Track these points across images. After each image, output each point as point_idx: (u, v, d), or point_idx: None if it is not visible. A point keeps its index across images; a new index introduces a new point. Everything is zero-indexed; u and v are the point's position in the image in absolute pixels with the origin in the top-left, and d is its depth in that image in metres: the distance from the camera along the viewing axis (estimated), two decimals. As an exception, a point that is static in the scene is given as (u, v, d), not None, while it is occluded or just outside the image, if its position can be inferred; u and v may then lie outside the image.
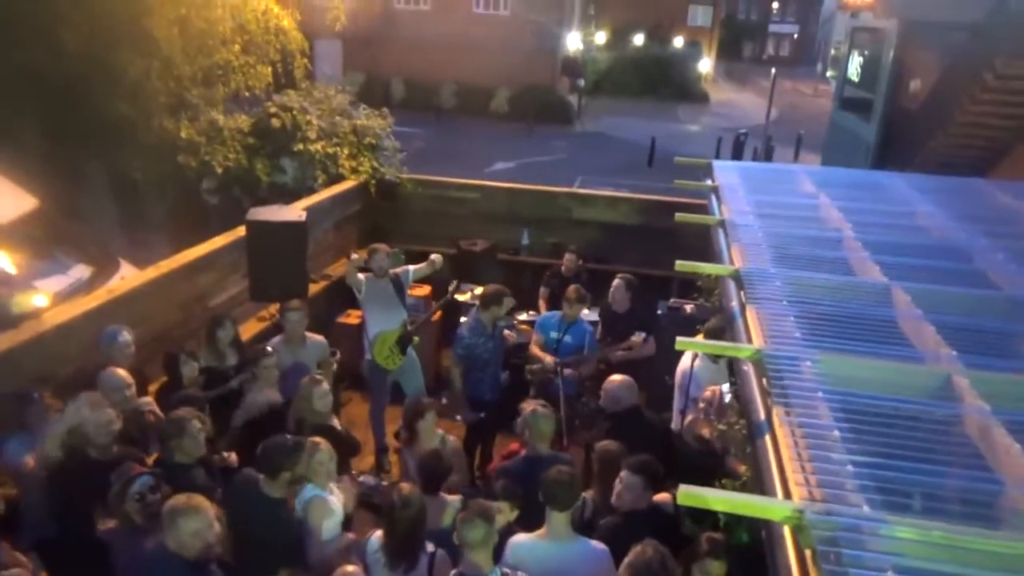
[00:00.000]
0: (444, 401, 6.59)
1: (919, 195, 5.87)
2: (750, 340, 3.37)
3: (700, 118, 36.11)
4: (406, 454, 4.95)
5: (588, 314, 6.68)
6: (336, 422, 5.09)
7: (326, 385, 4.89)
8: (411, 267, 6.60)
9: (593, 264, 8.17)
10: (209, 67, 9.86)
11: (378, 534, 3.89)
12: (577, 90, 34.24)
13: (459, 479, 4.92)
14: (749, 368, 3.25)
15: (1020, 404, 2.69)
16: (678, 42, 48.22)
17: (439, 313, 7.29)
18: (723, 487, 3.40)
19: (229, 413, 4.81)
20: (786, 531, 2.24)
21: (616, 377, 4.99)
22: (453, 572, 3.42)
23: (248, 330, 6.63)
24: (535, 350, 6.29)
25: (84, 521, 3.87)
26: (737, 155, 22.60)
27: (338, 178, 8.96)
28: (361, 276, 6.28)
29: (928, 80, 12.62)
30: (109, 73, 8.67)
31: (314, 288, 7.30)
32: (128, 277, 6.68)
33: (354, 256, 6.28)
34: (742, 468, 3.51)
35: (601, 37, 43.73)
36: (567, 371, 5.97)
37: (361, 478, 5.39)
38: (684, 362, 5.43)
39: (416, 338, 6.48)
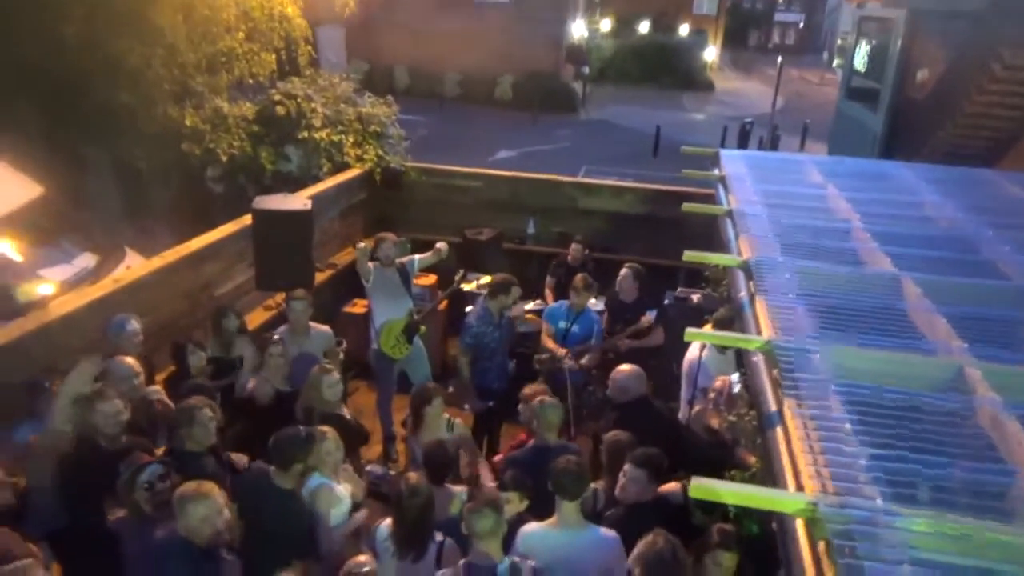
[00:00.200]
0: (451, 390, 6.60)
1: (927, 185, 5.84)
2: (760, 331, 3.36)
3: (705, 107, 35.93)
4: (413, 442, 4.96)
5: (595, 303, 6.68)
6: (345, 411, 5.09)
7: (336, 374, 4.89)
8: (417, 256, 6.60)
9: (599, 253, 8.16)
10: (213, 54, 9.81)
11: (387, 523, 3.91)
12: (582, 78, 34.06)
13: (472, 461, 4.94)
14: (759, 359, 3.24)
15: (1033, 396, 2.68)
16: (683, 30, 47.95)
17: (445, 302, 7.29)
18: (732, 478, 3.41)
19: (239, 403, 4.81)
20: (799, 524, 2.24)
21: (624, 367, 4.98)
22: (462, 562, 3.43)
23: (254, 319, 6.64)
24: (546, 340, 6.30)
25: (94, 511, 3.88)
26: (743, 144, 22.50)
27: (343, 166, 8.94)
28: (370, 264, 6.28)
29: (935, 70, 12.55)
30: (112, 61, 8.63)
31: (320, 277, 7.30)
32: (133, 266, 6.68)
33: (361, 245, 6.27)
34: (752, 459, 3.50)
35: (606, 25, 43.48)
36: (573, 363, 5.97)
37: (368, 467, 5.39)
38: (692, 352, 5.43)
39: (423, 327, 6.47)
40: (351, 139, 9.09)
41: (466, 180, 9.45)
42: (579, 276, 6.33)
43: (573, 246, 7.62)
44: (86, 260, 6.71)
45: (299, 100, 9.01)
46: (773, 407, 2.91)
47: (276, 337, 5.40)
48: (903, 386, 2.78)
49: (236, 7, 9.64)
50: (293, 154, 8.93)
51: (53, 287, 6.19)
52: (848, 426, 2.51)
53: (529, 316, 7.54)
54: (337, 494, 4.23)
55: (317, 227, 6.68)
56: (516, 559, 3.40)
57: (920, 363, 2.96)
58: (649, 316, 6.40)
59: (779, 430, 2.74)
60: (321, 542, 4.14)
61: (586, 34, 36.97)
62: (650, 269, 6.86)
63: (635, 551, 3.23)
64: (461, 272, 6.77)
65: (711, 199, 6.20)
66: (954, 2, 12.24)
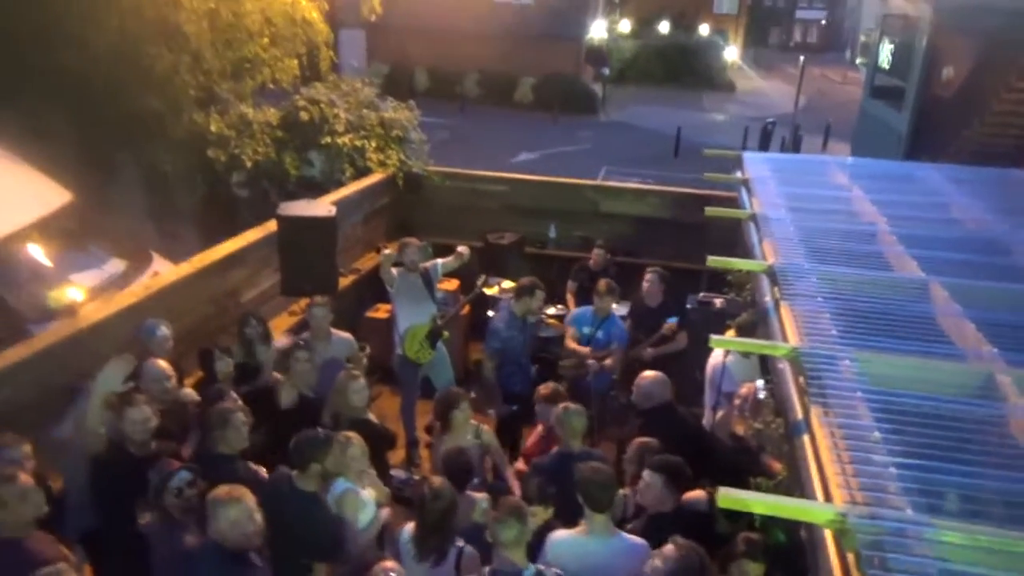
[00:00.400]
0: (472, 395, 6.63)
1: (954, 187, 5.77)
2: (785, 337, 3.34)
3: (726, 107, 35.72)
4: (439, 445, 4.98)
5: (618, 308, 6.67)
6: (371, 416, 5.13)
7: (363, 380, 4.93)
8: (440, 261, 6.62)
9: (621, 258, 8.14)
10: (237, 61, 9.92)
11: (410, 526, 3.94)
12: (602, 79, 34.00)
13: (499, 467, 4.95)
14: (785, 366, 3.23)
15: (1066, 404, 2.65)
16: (704, 29, 47.73)
17: (468, 307, 7.31)
18: (758, 486, 3.39)
19: (262, 407, 4.85)
20: (828, 534, 2.23)
21: (648, 373, 4.97)
22: (487, 569, 3.44)
23: (280, 325, 6.69)
24: (570, 343, 6.31)
25: (124, 515, 3.94)
26: (764, 144, 22.32)
27: (366, 171, 8.99)
28: (394, 270, 6.32)
29: (962, 67, 12.40)
30: (139, 68, 8.75)
31: (343, 282, 7.34)
32: (161, 271, 6.76)
33: (386, 251, 6.31)
34: (778, 466, 3.48)
35: (626, 25, 43.37)
36: (596, 363, 5.99)
37: (392, 472, 5.43)
38: (715, 357, 5.40)
39: (446, 332, 6.50)
40: (373, 144, 9.13)
41: (488, 184, 9.46)
42: (602, 281, 6.33)
43: (595, 251, 7.61)
44: (115, 265, 6.77)
45: (322, 106, 9.07)
46: (800, 415, 2.90)
47: (301, 342, 5.44)
48: (932, 393, 2.76)
49: (260, 13, 9.73)
50: (316, 159, 9.00)
51: (83, 292, 6.27)
52: (877, 435, 2.50)
53: (551, 321, 7.54)
54: (362, 499, 4.26)
55: (340, 232, 6.73)
56: (542, 567, 3.41)
57: (949, 370, 2.94)
58: (672, 323, 6.39)
59: (806, 438, 2.73)
60: (348, 546, 4.18)
61: (606, 35, 36.89)
62: (673, 273, 6.84)
63: (664, 566, 3.21)
64: (483, 277, 6.79)
65: (734, 202, 6.18)
66: (981, -1, 12.08)
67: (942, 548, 2.01)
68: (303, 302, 6.75)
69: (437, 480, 3.97)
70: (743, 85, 42.47)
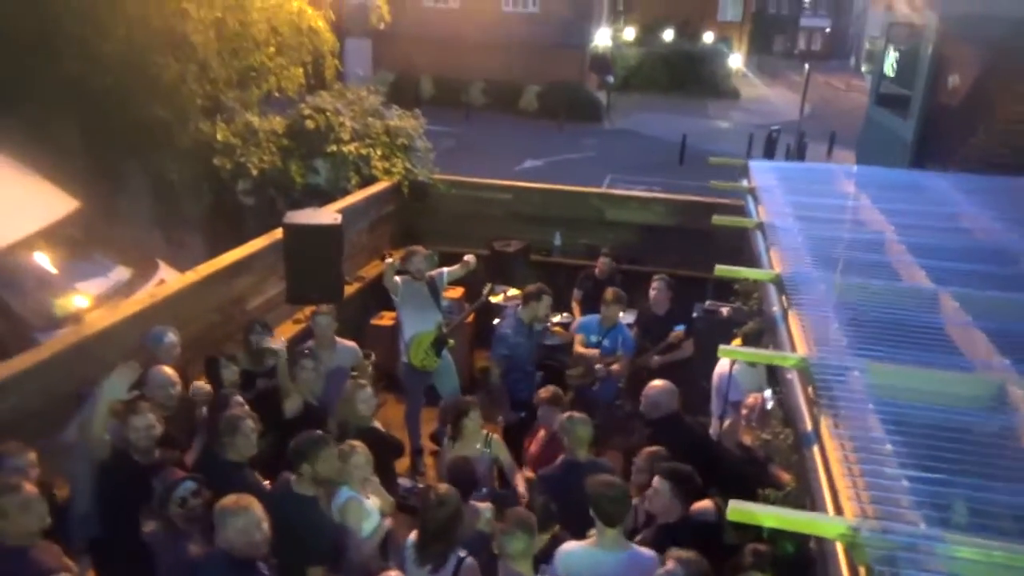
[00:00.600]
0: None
1: (963, 196, 5.75)
2: (794, 347, 3.32)
3: (731, 114, 35.72)
4: (447, 454, 4.96)
5: (624, 316, 6.66)
6: (377, 424, 5.12)
7: (370, 389, 4.92)
8: (446, 269, 6.61)
9: (627, 266, 8.12)
10: (243, 69, 9.94)
11: (415, 534, 3.92)
12: (606, 87, 34.03)
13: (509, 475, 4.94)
14: (794, 376, 3.21)
15: (1080, 416, 2.62)
16: (708, 37, 47.76)
17: (473, 315, 7.30)
18: (766, 497, 3.36)
19: (267, 415, 4.85)
20: (839, 548, 2.21)
21: (656, 382, 4.96)
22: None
23: (285, 332, 6.69)
24: (579, 349, 6.30)
25: (128, 524, 3.92)
26: (769, 152, 22.31)
27: (371, 179, 9.00)
28: (397, 278, 6.31)
29: (968, 76, 12.35)
30: (146, 77, 8.78)
31: (348, 290, 7.33)
32: (167, 279, 6.76)
33: (389, 260, 6.31)
34: (786, 477, 3.46)
35: (630, 33, 43.44)
36: (603, 369, 5.98)
37: (398, 480, 5.41)
38: (722, 366, 5.38)
39: (451, 340, 6.49)
40: (379, 152, 9.15)
41: (493, 192, 9.46)
42: (610, 290, 6.32)
43: (601, 259, 7.59)
44: (120, 273, 6.78)
45: (328, 114, 9.09)
46: (809, 426, 2.88)
47: (306, 351, 5.43)
48: (943, 405, 2.73)
49: (266, 23, 9.76)
50: (322, 167, 9.01)
51: (88, 300, 6.28)
52: (888, 447, 2.47)
53: (556, 329, 7.52)
54: (366, 508, 4.25)
55: (346, 240, 6.72)
56: (549, 579, 3.39)
57: (961, 381, 2.91)
58: (678, 331, 6.38)
59: (816, 450, 2.71)
60: (351, 555, 4.16)
61: (610, 43, 36.95)
62: (678, 281, 6.83)
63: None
64: (489, 285, 6.78)
65: (739, 210, 6.17)
66: (988, 6, 12.04)
67: (955, 564, 1.98)
68: (308, 310, 6.74)
69: (443, 487, 3.95)
70: (747, 93, 42.46)
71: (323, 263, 5.99)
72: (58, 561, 3.50)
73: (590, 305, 7.08)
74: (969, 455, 2.44)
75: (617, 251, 7.96)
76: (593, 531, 3.72)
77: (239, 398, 4.84)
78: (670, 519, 3.88)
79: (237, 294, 6.48)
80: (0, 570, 3.38)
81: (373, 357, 6.13)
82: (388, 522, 4.35)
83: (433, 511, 3.78)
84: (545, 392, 5.13)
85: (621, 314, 6.41)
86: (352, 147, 8.96)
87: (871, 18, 45.98)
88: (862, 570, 2.06)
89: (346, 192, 8.76)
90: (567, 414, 4.58)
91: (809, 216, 5.05)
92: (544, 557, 3.67)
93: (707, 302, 7.27)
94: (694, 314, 6.94)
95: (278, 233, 6.45)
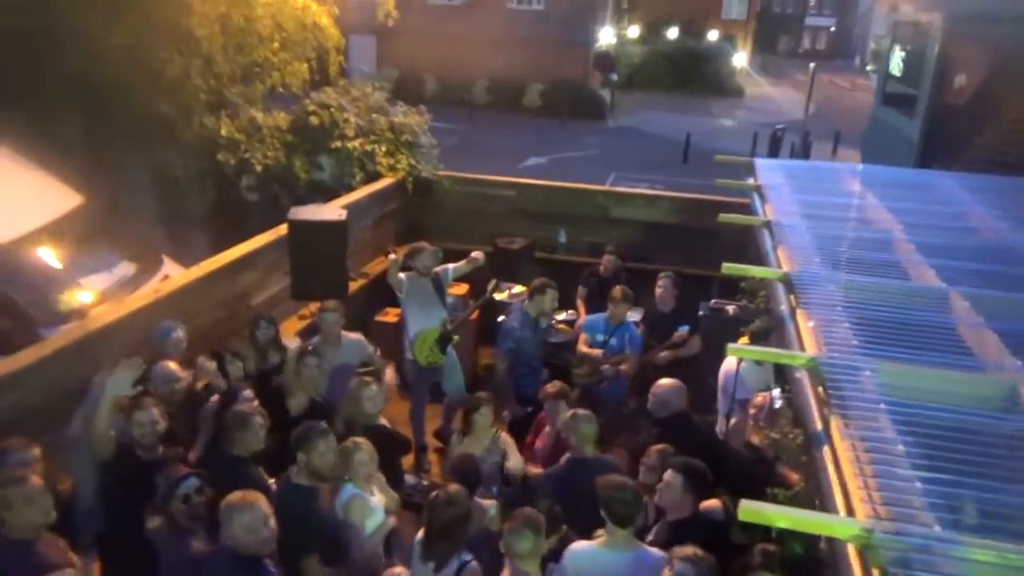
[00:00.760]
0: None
1: (970, 195, 5.73)
2: (802, 346, 3.30)
3: (735, 113, 35.66)
4: (455, 450, 4.95)
5: (631, 315, 6.63)
6: (384, 421, 5.10)
7: (375, 386, 4.90)
8: (451, 266, 6.58)
9: (632, 263, 8.09)
10: (248, 65, 9.94)
11: (423, 530, 3.91)
12: (610, 84, 33.98)
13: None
14: (803, 376, 3.19)
15: (1094, 418, 2.60)
16: (712, 35, 47.68)
17: (477, 312, 7.28)
18: (775, 496, 3.34)
19: (273, 412, 4.83)
20: (851, 550, 2.19)
21: (665, 381, 4.93)
22: (501, 580, 3.40)
23: (289, 328, 6.67)
24: (583, 349, 6.28)
25: (132, 519, 3.91)
26: (774, 151, 22.26)
27: (375, 175, 8.99)
28: (402, 275, 6.29)
29: (975, 75, 12.32)
30: (150, 72, 8.77)
31: (352, 286, 7.32)
32: (171, 274, 6.76)
33: (392, 256, 6.29)
34: (794, 477, 3.44)
35: (634, 31, 43.38)
36: (612, 369, 5.96)
37: (403, 477, 5.40)
38: (728, 364, 5.35)
39: (456, 337, 6.47)
40: (383, 148, 9.13)
41: (497, 189, 9.43)
42: (617, 288, 6.29)
43: (606, 256, 7.56)
44: (125, 268, 6.78)
45: (332, 110, 9.08)
46: (819, 426, 2.86)
47: (311, 347, 5.41)
48: (956, 405, 2.72)
49: (271, 19, 9.75)
50: (326, 163, 9.00)
51: (93, 295, 6.28)
52: (901, 448, 2.46)
53: (561, 327, 7.50)
54: (370, 505, 4.23)
55: (350, 236, 6.72)
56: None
57: (972, 381, 2.89)
58: (683, 331, 6.36)
59: (826, 450, 2.69)
60: (354, 552, 4.15)
61: (614, 41, 36.90)
62: (683, 279, 6.80)
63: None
64: (494, 282, 6.76)
65: (745, 208, 6.14)
66: (994, 6, 12.00)
67: (970, 566, 1.97)
68: (313, 306, 6.73)
69: (453, 487, 3.92)
70: (752, 91, 42.41)
71: (328, 259, 5.98)
72: (63, 555, 3.49)
73: (594, 303, 7.05)
74: (982, 457, 2.42)
75: (622, 249, 7.93)
76: (602, 531, 3.70)
77: (249, 392, 4.83)
78: (681, 515, 3.85)
79: (242, 290, 6.47)
80: (5, 562, 3.37)
81: (378, 353, 6.10)
82: (392, 519, 4.34)
83: (440, 510, 3.76)
84: (552, 387, 5.12)
85: (629, 312, 6.38)
86: (356, 143, 8.95)
87: (876, 17, 45.92)
88: (875, 572, 2.04)
89: (350, 188, 8.75)
90: (571, 412, 4.56)
91: (816, 214, 5.04)
92: (551, 556, 3.65)
93: (712, 300, 7.24)
94: (700, 312, 6.91)
95: (283, 229, 6.44)
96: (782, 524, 2.34)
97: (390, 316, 7.53)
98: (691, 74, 40.74)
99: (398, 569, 3.78)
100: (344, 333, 5.84)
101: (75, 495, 4.12)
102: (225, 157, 8.94)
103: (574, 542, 3.74)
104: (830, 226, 4.84)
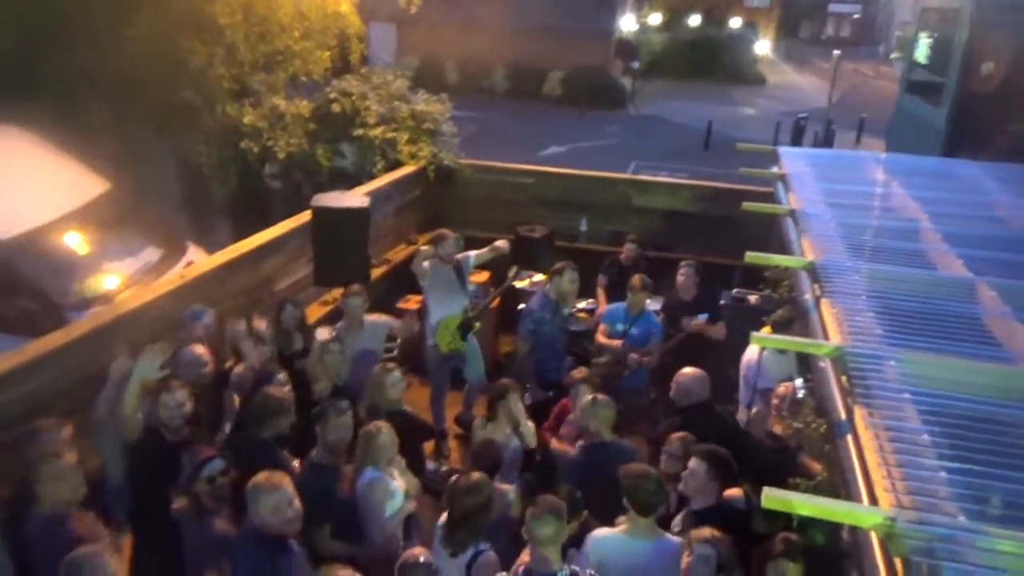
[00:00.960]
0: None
1: (997, 184, 5.65)
2: (826, 335, 3.29)
3: (757, 101, 35.26)
4: (478, 435, 4.97)
5: (651, 304, 6.62)
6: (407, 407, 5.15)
7: (398, 372, 4.94)
8: (472, 253, 6.60)
9: (653, 252, 8.06)
10: (270, 53, 9.97)
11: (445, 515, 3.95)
12: (631, 72, 33.72)
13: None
14: (827, 365, 3.18)
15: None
16: (735, 23, 47.15)
17: (498, 300, 7.29)
18: (796, 486, 3.34)
19: (299, 397, 4.89)
20: (874, 538, 2.19)
21: (688, 370, 4.93)
22: (522, 567, 3.42)
23: (312, 314, 6.73)
24: (602, 339, 6.27)
25: (158, 499, 3.98)
26: (797, 139, 21.98)
27: (397, 163, 9.01)
28: (426, 263, 6.32)
29: (1003, 62, 12.10)
30: (174, 60, 8.84)
31: (374, 273, 7.36)
32: (195, 260, 6.83)
33: (424, 248, 6.32)
34: (816, 467, 3.43)
35: (656, 18, 42.98)
36: (636, 358, 5.96)
37: (425, 463, 5.44)
38: (751, 353, 5.33)
39: (477, 324, 6.49)
40: (405, 136, 9.13)
41: (518, 177, 9.42)
42: (635, 276, 6.28)
43: (627, 245, 7.54)
44: (150, 254, 6.87)
45: (354, 98, 9.10)
46: (843, 415, 2.85)
47: (334, 334, 5.46)
48: (982, 396, 2.70)
49: (293, 7, 9.77)
50: (348, 151, 9.04)
51: (119, 280, 6.36)
52: (926, 437, 2.45)
53: (581, 315, 7.50)
54: (390, 488, 4.27)
55: (372, 224, 6.75)
56: (576, 568, 3.39)
57: (1000, 372, 2.87)
58: (700, 319, 6.33)
59: (850, 439, 2.68)
60: (373, 534, 4.19)
61: (636, 28, 36.59)
62: (705, 268, 6.77)
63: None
64: (515, 269, 6.77)
65: (768, 197, 6.10)
66: (1024, -8, 11.78)
67: (995, 557, 1.96)
68: (335, 292, 6.78)
69: (476, 475, 3.95)
70: (775, 79, 41.87)
71: (351, 246, 6.02)
72: (94, 530, 3.57)
73: (615, 292, 7.04)
74: (1009, 447, 2.41)
75: (643, 237, 7.89)
76: (623, 518, 3.72)
77: (282, 376, 4.89)
78: (705, 503, 3.87)
79: (265, 276, 6.52)
80: (39, 536, 3.47)
81: (399, 340, 6.14)
82: (412, 504, 4.37)
83: (461, 498, 3.79)
84: (578, 373, 5.13)
85: (648, 301, 6.37)
86: (378, 131, 8.96)
87: (902, 4, 45.13)
88: (898, 561, 2.04)
89: (372, 176, 8.78)
90: (589, 396, 4.58)
91: (841, 203, 4.99)
92: (571, 542, 3.67)
93: (735, 289, 7.21)
94: (722, 301, 6.88)
95: (305, 216, 6.48)
96: (805, 512, 2.34)
97: (411, 303, 7.57)
98: (713, 62, 40.28)
99: (418, 549, 3.82)
100: (367, 317, 5.88)
101: (104, 475, 4.20)
102: (248, 145, 9.00)
103: (595, 529, 3.77)
104: (855, 215, 4.80)
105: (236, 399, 4.97)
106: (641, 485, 3.64)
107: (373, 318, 5.95)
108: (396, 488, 4.31)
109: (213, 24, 8.94)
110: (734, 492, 3.94)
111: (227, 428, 4.89)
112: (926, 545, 1.98)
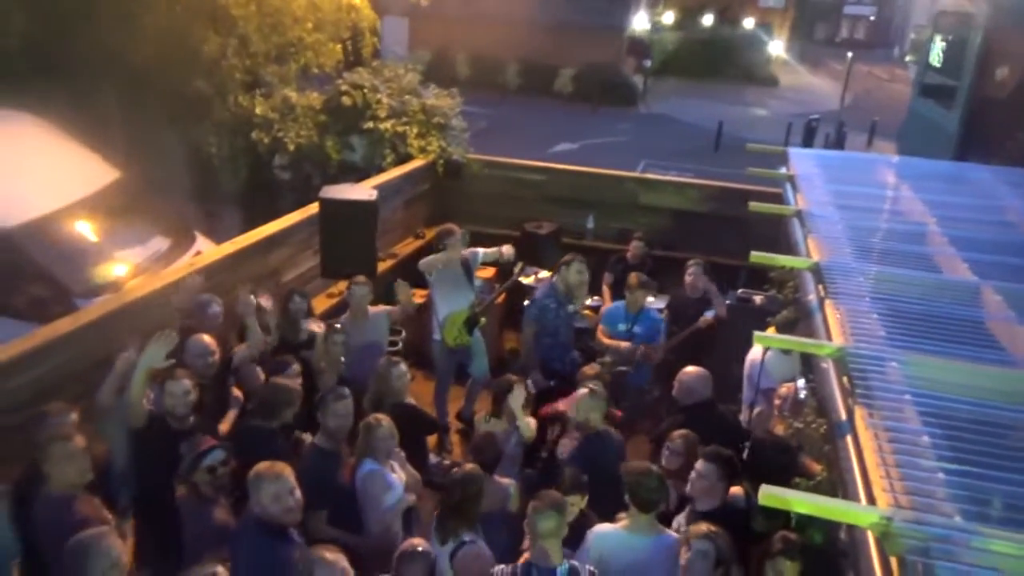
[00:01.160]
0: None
1: (1008, 189, 5.63)
2: (830, 336, 3.29)
3: (769, 102, 35.12)
4: (480, 429, 5.00)
5: (653, 302, 6.61)
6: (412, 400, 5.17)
7: (403, 365, 4.96)
8: (481, 249, 6.61)
9: (659, 251, 8.06)
10: (283, 45, 10.00)
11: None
12: (643, 71, 33.64)
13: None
14: (829, 366, 3.19)
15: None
16: (748, 23, 46.94)
17: (503, 295, 7.31)
18: (796, 486, 3.34)
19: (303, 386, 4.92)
20: (870, 537, 2.20)
21: (691, 369, 4.95)
22: (522, 561, 3.43)
23: (318, 306, 6.76)
24: (603, 339, 6.27)
25: (162, 487, 4.02)
26: (808, 141, 21.90)
27: (406, 157, 9.03)
28: (432, 258, 6.34)
29: (1017, 67, 12.04)
30: (187, 50, 8.88)
31: (381, 266, 7.37)
32: (203, 250, 6.86)
33: (441, 255, 6.34)
34: (817, 467, 3.44)
35: (669, 17, 42.84)
36: (643, 350, 5.97)
37: (428, 456, 5.46)
38: (754, 354, 5.33)
39: (483, 319, 6.50)
40: (415, 130, 9.15)
41: (527, 173, 9.42)
42: (633, 275, 6.29)
43: (633, 243, 7.54)
44: (159, 243, 6.91)
45: (365, 91, 9.11)
46: (843, 416, 2.86)
47: (338, 326, 5.48)
48: (983, 399, 2.70)
49: (306, -2, 9.80)
50: (358, 144, 9.06)
51: (127, 268, 6.40)
52: (925, 439, 2.45)
53: (587, 313, 7.50)
54: (388, 480, 4.29)
55: (380, 217, 6.76)
56: (575, 563, 3.41)
57: (1002, 376, 2.87)
58: (707, 316, 6.33)
59: (849, 440, 2.69)
60: (371, 525, 4.22)
61: (648, 26, 36.49)
62: (712, 268, 6.77)
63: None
64: (520, 265, 6.77)
65: (777, 198, 6.09)
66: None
67: (990, 557, 1.97)
68: (342, 284, 6.80)
69: (469, 466, 3.98)
70: (787, 80, 41.67)
71: (358, 238, 6.02)
72: (99, 513, 3.61)
73: (621, 290, 7.04)
74: (1008, 450, 2.41)
75: (650, 236, 7.89)
76: (624, 514, 3.74)
77: (296, 367, 4.92)
78: (711, 505, 3.88)
79: (273, 267, 6.55)
80: (47, 517, 3.51)
81: (403, 334, 6.16)
82: (411, 497, 4.39)
83: (455, 488, 3.84)
84: (591, 369, 5.15)
85: (651, 299, 6.36)
86: (388, 124, 8.98)
87: (917, 6, 44.89)
88: (894, 560, 2.05)
89: (381, 169, 8.79)
90: (585, 390, 4.60)
91: (849, 205, 4.99)
92: (571, 538, 3.69)
93: (740, 290, 7.20)
94: (727, 302, 6.87)
95: (314, 207, 6.49)
96: (802, 510, 2.35)
97: (417, 297, 7.56)
98: (725, 62, 40.11)
99: (417, 540, 3.84)
100: (370, 308, 5.91)
101: (110, 461, 4.24)
102: (259, 136, 9.04)
103: (594, 524, 3.79)
104: (862, 217, 4.79)
105: (236, 390, 5.01)
106: (643, 482, 3.66)
107: (376, 309, 5.97)
108: (395, 481, 4.33)
109: (227, 14, 8.98)
110: (734, 491, 3.95)
111: (230, 416, 4.91)
112: (922, 545, 1.99)
